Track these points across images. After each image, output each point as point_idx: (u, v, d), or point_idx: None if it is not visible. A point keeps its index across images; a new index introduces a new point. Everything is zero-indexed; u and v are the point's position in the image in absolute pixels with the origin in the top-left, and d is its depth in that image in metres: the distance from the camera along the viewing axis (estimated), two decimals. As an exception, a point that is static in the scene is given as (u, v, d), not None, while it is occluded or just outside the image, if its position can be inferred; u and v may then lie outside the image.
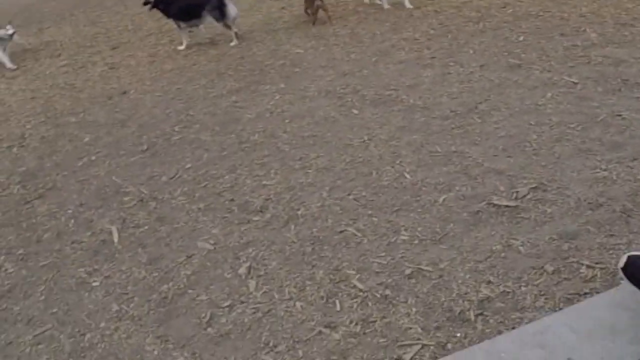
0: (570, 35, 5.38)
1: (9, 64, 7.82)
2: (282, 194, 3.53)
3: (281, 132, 4.28)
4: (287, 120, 4.47)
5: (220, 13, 6.96)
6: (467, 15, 6.77)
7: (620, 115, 3.65)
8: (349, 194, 3.37)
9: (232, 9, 7.02)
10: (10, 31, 7.84)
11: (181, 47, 7.26)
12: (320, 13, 7.26)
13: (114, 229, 3.57)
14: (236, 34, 7.11)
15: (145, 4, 7.36)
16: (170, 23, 7.53)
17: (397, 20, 7.15)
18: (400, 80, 4.95)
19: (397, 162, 3.59)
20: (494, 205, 3.04)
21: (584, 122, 3.66)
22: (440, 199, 3.16)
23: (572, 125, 3.64)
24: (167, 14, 7.22)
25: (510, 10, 6.68)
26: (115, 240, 3.45)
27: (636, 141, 3.35)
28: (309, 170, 3.69)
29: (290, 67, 5.83)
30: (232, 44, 7.00)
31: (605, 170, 3.15)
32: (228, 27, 7.09)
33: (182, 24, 7.22)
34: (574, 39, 5.27)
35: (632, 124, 3.53)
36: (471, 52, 5.40)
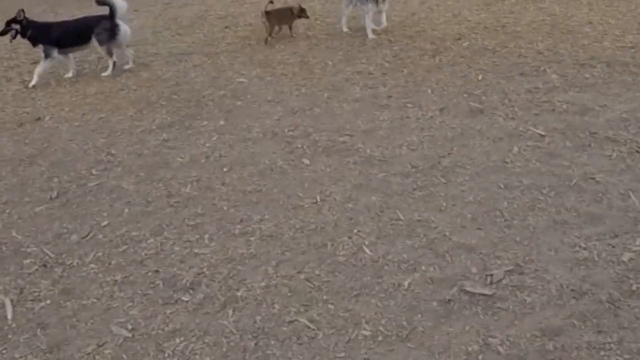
0: (530, 76, 5.38)
1: None
2: (218, 267, 3.10)
3: (219, 184, 3.85)
4: (225, 169, 4.04)
5: (110, 35, 6.25)
6: (422, 47, 6.66)
7: (594, 179, 3.56)
8: (299, 272, 3.00)
9: (125, 30, 6.43)
10: None
11: (68, 75, 6.51)
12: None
13: (7, 301, 3.02)
14: (114, 63, 6.40)
15: (2, 33, 6.21)
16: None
17: (349, 49, 6.90)
18: (355, 124, 4.66)
19: (355, 231, 3.27)
20: (467, 292, 2.75)
21: (557, 186, 3.53)
22: (405, 282, 2.84)
23: (544, 191, 3.50)
24: (43, 40, 6.21)
25: (466, 44, 6.66)
26: (9, 316, 2.92)
27: (614, 213, 3.24)
28: (252, 237, 3.28)
29: (231, 99, 5.42)
30: (105, 74, 6.34)
31: (585, 248, 2.98)
32: (110, 53, 6.37)
33: (60, 52, 6.30)
34: (535, 80, 5.26)
35: (607, 190, 3.44)
36: (429, 91, 5.25)
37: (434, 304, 2.69)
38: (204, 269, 3.08)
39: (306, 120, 4.81)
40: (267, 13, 7.02)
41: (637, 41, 6.38)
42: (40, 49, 6.26)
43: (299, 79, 5.89)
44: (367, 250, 3.09)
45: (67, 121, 5.21)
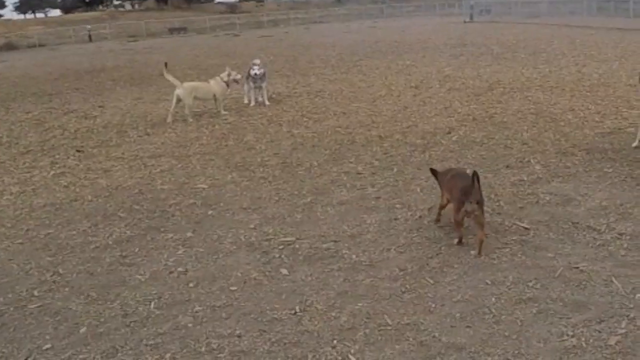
0: (515, 168, 6.25)
1: None
2: (179, 390, 3.25)
3: (183, 301, 4.09)
4: (191, 284, 4.29)
5: None
6: (413, 143, 7.39)
7: (577, 268, 4.06)
8: (274, 395, 3.15)
9: None
10: None
11: None
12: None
13: None
14: None
15: None
16: None
17: (338, 147, 7.48)
18: (340, 229, 4.99)
19: (339, 340, 3.44)
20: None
21: (542, 277, 3.98)
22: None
23: (530, 284, 3.92)
24: None
25: (455, 137, 7.54)
26: None
27: (597, 298, 3.67)
28: (220, 354, 3.44)
29: (202, 208, 5.79)
30: None
31: (572, 336, 3.32)
32: None
33: None
34: (520, 172, 6.11)
35: (591, 278, 3.92)
36: (418, 190, 5.79)
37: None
38: (163, 395, 3.25)
39: (285, 227, 5.13)
40: None
41: (615, 126, 7.55)
42: None
43: (279, 182, 6.33)
44: (353, 359, 3.29)
45: (8, 239, 5.49)
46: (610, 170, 5.96)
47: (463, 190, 4.29)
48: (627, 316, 3.46)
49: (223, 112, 10.26)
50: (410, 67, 15.45)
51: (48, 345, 3.72)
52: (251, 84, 10.97)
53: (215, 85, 10.23)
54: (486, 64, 14.95)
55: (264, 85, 10.85)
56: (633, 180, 5.64)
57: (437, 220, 4.89)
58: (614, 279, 3.87)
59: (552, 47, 18.72)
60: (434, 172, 4.99)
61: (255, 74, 10.65)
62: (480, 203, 4.25)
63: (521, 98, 9.88)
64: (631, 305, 3.56)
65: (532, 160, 6.42)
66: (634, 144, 6.68)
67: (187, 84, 10.06)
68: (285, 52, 23.24)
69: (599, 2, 46.25)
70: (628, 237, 4.46)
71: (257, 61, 10.88)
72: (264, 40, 33.31)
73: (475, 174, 4.17)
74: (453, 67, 14.77)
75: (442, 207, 4.80)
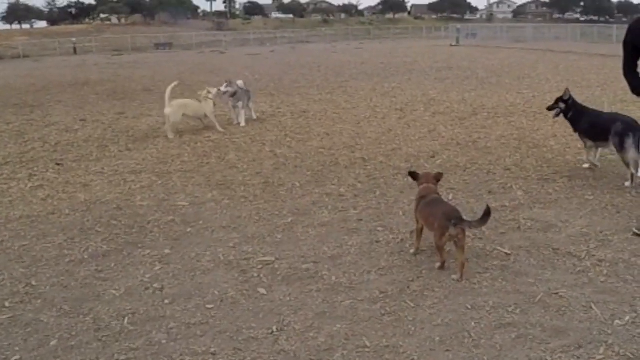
0: (497, 194, 6.33)
1: None
2: (149, 412, 3.21)
3: (157, 317, 4.05)
4: (167, 301, 4.25)
5: None
6: (397, 166, 7.45)
7: (557, 294, 4.10)
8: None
9: None
10: None
11: None
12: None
13: None
14: None
15: None
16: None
17: (321, 169, 7.50)
18: (321, 250, 4.99)
19: (316, 361, 3.45)
20: None
21: (522, 303, 4.01)
22: None
23: (510, 309, 3.95)
24: None
25: (439, 161, 7.64)
26: None
27: (576, 324, 3.73)
28: (193, 374, 3.44)
29: (180, 225, 5.75)
30: None
31: None
32: None
33: None
34: (502, 197, 6.19)
35: (570, 304, 3.96)
36: (401, 213, 5.82)
37: None
38: (132, 415, 3.21)
39: (265, 247, 5.11)
40: None
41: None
42: None
43: (260, 202, 6.32)
44: (329, 383, 3.28)
45: (-19, 250, 5.46)
46: (592, 197, 6.03)
47: (447, 215, 4.31)
48: (606, 342, 3.49)
49: (220, 129, 10.26)
50: (395, 89, 15.57)
51: (17, 357, 3.68)
52: (230, 103, 11.02)
53: (205, 104, 10.26)
54: (471, 88, 15.12)
55: (239, 104, 10.82)
56: (613, 208, 5.71)
57: (417, 250, 4.83)
58: (593, 306, 3.91)
59: (536, 72, 19.00)
60: (413, 175, 4.97)
61: (224, 92, 10.66)
62: (467, 228, 4.31)
63: (505, 123, 10.01)
64: (610, 332, 3.59)
65: (514, 186, 6.49)
66: (585, 165, 7.09)
67: (175, 102, 10.06)
68: (271, 71, 23.35)
69: (583, 28, 47.27)
70: (608, 264, 4.51)
71: (228, 82, 10.92)
72: (249, 59, 33.47)
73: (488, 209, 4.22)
74: (438, 90, 14.92)
75: (418, 232, 4.78)
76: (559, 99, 7.09)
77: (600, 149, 7.06)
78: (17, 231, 5.83)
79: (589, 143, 6.90)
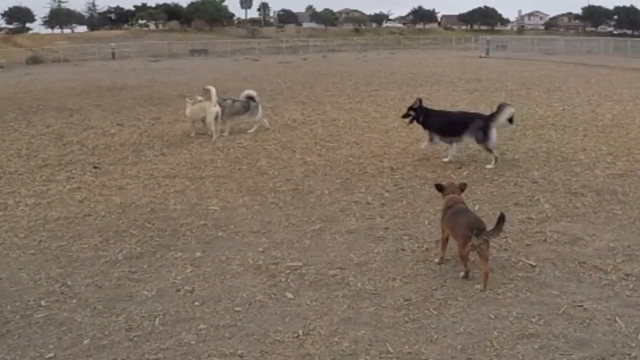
0: (524, 206, 6.26)
1: None
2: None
3: (187, 319, 4.12)
4: (197, 303, 4.32)
5: None
6: (424, 176, 7.44)
7: (582, 306, 4.07)
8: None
9: None
10: None
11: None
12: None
13: None
14: None
15: None
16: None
17: (349, 177, 7.53)
18: (347, 257, 5.02)
19: (340, 367, 3.47)
20: None
21: (546, 314, 3.99)
22: None
23: (533, 319, 3.93)
24: None
25: (466, 172, 7.58)
26: None
27: (600, 336, 3.71)
28: (221, 374, 3.49)
29: (212, 229, 5.84)
30: None
31: None
32: None
33: None
34: (529, 210, 6.12)
35: (594, 317, 3.93)
36: (427, 222, 5.82)
37: None
38: (162, 413, 3.27)
39: (293, 253, 5.16)
40: None
41: (626, 168, 7.57)
42: None
43: (290, 208, 6.38)
44: (353, 388, 3.31)
45: (20, 248, 5.57)
46: (620, 212, 5.95)
47: (469, 225, 4.31)
48: (629, 355, 3.47)
49: (215, 136, 10.40)
50: (424, 100, 15.46)
51: (51, 355, 3.77)
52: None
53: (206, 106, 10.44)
54: (500, 100, 14.91)
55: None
56: (642, 223, 5.62)
57: (441, 260, 4.83)
58: (617, 319, 3.87)
59: (567, 85, 18.76)
60: (439, 187, 5.01)
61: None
62: (487, 238, 4.28)
63: (533, 136, 9.90)
64: (633, 345, 3.56)
65: (541, 199, 6.42)
66: (445, 159, 8.17)
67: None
68: (303, 79, 23.45)
69: (616, 42, 46.47)
70: (634, 278, 4.45)
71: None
72: (282, 66, 33.65)
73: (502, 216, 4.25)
74: (467, 102, 14.83)
75: (443, 242, 4.79)
76: (410, 108, 8.39)
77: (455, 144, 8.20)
78: (54, 232, 5.96)
79: (437, 138, 8.22)
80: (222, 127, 10.62)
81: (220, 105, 10.57)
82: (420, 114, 8.29)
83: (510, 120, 7.98)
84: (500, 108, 7.96)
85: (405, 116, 8.46)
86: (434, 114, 8.41)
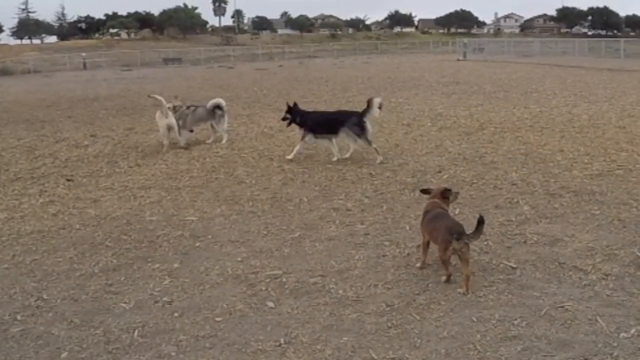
0: (504, 208, 6.37)
1: None
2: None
3: (167, 330, 4.11)
4: (176, 314, 4.32)
5: None
6: (403, 181, 7.53)
7: (563, 307, 4.16)
8: None
9: None
10: None
11: None
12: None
13: None
14: None
15: None
16: None
17: (328, 183, 7.57)
18: (328, 264, 5.05)
19: (323, 375, 3.50)
20: None
21: (528, 316, 4.05)
22: None
23: (515, 321, 4.00)
24: None
25: (446, 176, 7.74)
26: None
27: (582, 337, 3.78)
28: (201, 386, 3.50)
29: (189, 239, 5.83)
30: None
31: None
32: None
33: None
34: (508, 212, 6.23)
35: (576, 317, 4.01)
36: (407, 227, 5.89)
37: None
38: None
39: (273, 261, 5.17)
40: None
41: (603, 168, 7.74)
42: None
43: (268, 217, 6.39)
44: (335, 393, 3.33)
45: (-7, 264, 5.54)
46: (598, 212, 6.06)
47: (449, 229, 4.38)
48: (611, 354, 3.53)
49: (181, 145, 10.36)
50: (402, 104, 15.65)
51: (29, 369, 3.74)
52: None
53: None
54: (478, 103, 15.18)
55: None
56: (620, 223, 5.74)
57: (423, 264, 4.87)
58: (598, 318, 3.95)
59: (543, 86, 19.05)
60: (425, 191, 5.12)
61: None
62: (467, 242, 4.35)
63: (511, 138, 10.04)
64: (615, 344, 3.63)
65: (520, 201, 6.53)
66: (334, 158, 8.88)
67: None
68: (279, 86, 23.49)
69: (591, 43, 47.28)
70: (614, 278, 4.54)
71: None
72: (257, 74, 33.70)
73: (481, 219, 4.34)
74: (445, 105, 14.98)
75: (424, 246, 4.84)
76: (287, 112, 9.20)
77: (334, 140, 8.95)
78: (28, 246, 5.91)
79: (309, 137, 9.01)
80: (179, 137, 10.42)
81: (182, 113, 10.50)
82: (297, 116, 9.12)
83: (379, 107, 8.84)
84: (370, 102, 8.78)
85: (284, 119, 9.32)
86: (308, 114, 9.27)
